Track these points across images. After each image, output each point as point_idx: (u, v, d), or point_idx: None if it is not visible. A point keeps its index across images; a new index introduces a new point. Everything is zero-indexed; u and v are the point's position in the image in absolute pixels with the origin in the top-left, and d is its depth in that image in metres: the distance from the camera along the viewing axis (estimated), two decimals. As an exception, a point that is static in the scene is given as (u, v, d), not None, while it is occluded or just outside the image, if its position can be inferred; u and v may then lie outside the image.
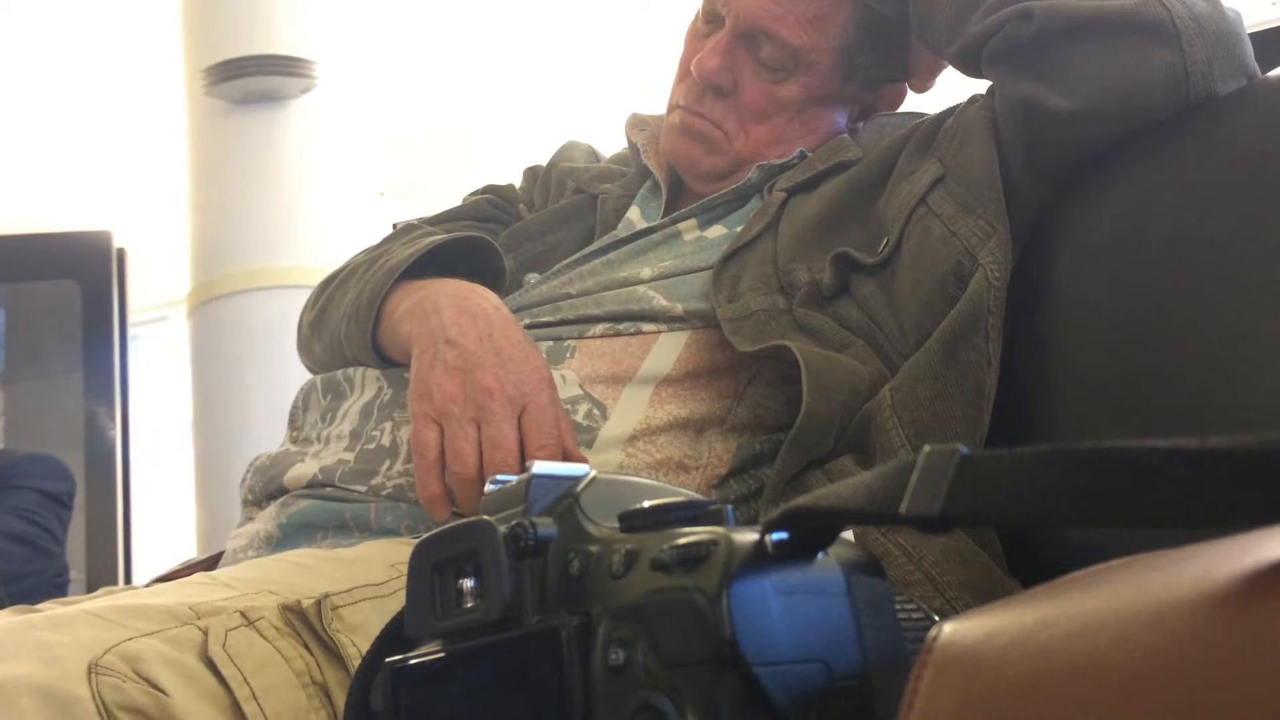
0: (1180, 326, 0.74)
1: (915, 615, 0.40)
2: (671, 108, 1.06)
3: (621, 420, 0.88)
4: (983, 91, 0.94)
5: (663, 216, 1.04)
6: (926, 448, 0.32)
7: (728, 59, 1.00)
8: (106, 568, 3.10)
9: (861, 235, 0.92)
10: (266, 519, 0.90)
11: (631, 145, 1.12)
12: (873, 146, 1.01)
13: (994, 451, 0.30)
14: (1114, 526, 0.28)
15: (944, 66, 1.02)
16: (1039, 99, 0.84)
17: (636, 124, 1.13)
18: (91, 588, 2.65)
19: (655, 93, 1.15)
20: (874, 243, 0.91)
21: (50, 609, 0.68)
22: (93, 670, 0.58)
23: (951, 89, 1.02)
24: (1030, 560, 0.76)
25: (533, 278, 1.02)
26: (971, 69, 0.92)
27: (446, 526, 0.45)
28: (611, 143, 1.22)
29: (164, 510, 4.12)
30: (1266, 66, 0.83)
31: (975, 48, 0.89)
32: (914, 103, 1.09)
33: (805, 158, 1.02)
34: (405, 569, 0.47)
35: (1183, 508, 0.26)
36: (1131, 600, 0.26)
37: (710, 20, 1.03)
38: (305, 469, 0.91)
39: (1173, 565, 0.27)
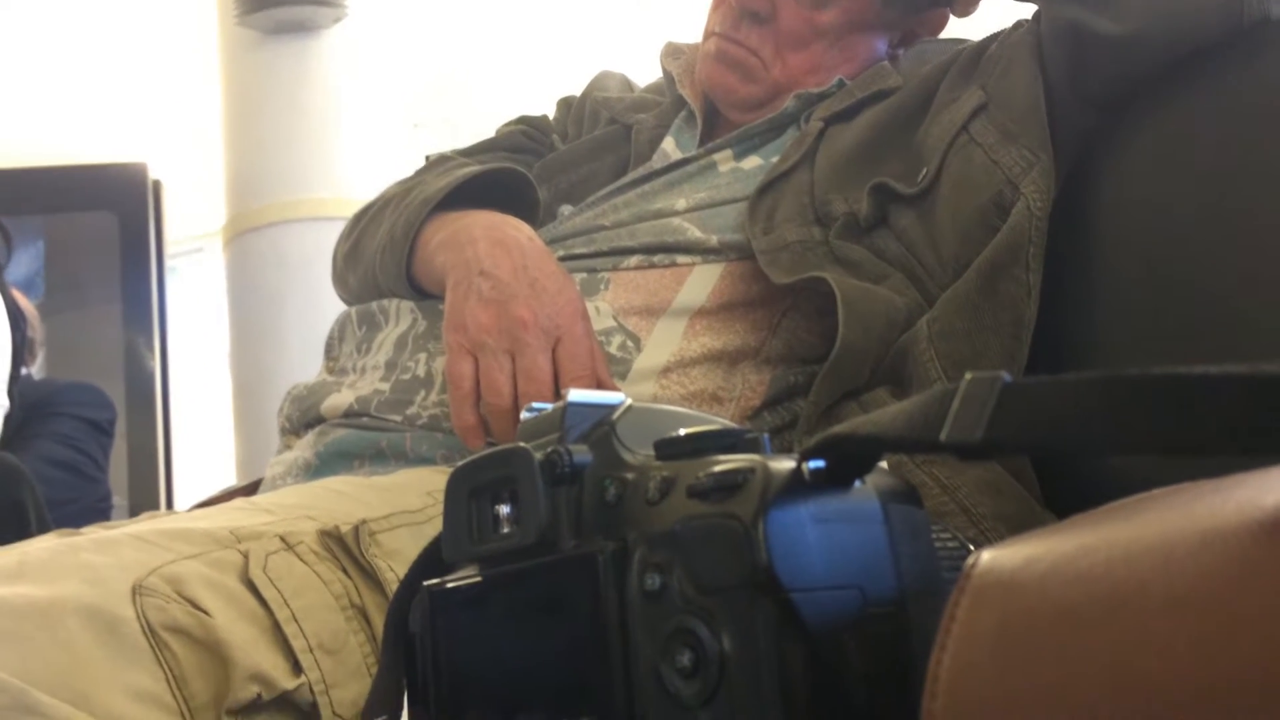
0: (1225, 255, 0.73)
1: (951, 544, 0.40)
2: (707, 35, 1.04)
3: (655, 352, 0.88)
4: (1028, 17, 0.91)
5: (698, 147, 1.03)
6: (968, 375, 0.31)
7: (765, -16, 0.98)
8: (148, 493, 3.17)
9: (900, 165, 0.91)
10: (304, 447, 0.91)
11: (666, 74, 1.10)
12: (913, 74, 0.99)
13: (1037, 378, 0.30)
14: (1160, 453, 0.27)
15: (988, -10, 1.00)
16: (1086, 23, 0.82)
17: (671, 52, 1.11)
18: (134, 513, 2.70)
19: (692, 22, 1.13)
20: (913, 173, 0.89)
21: (94, 532, 0.69)
22: (137, 591, 0.59)
23: (996, 14, 1.00)
24: (1065, 493, 0.76)
25: (566, 209, 1.02)
26: (1017, -7, 0.89)
27: (483, 453, 0.46)
28: (646, 73, 1.20)
29: (203, 438, 4.19)
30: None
31: (1021, -29, 0.87)
32: (956, 28, 1.07)
33: (844, 86, 1.00)
34: (441, 497, 0.47)
35: (1231, 434, 0.26)
36: (1176, 527, 0.26)
37: (748, -56, 1.01)
38: (341, 399, 0.92)
39: (1218, 493, 0.27)
